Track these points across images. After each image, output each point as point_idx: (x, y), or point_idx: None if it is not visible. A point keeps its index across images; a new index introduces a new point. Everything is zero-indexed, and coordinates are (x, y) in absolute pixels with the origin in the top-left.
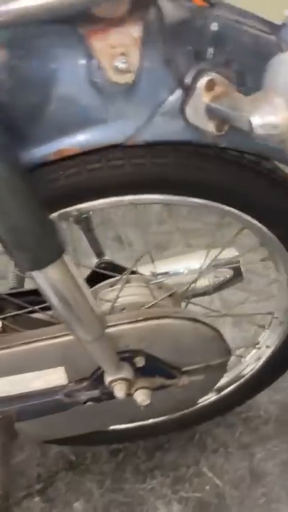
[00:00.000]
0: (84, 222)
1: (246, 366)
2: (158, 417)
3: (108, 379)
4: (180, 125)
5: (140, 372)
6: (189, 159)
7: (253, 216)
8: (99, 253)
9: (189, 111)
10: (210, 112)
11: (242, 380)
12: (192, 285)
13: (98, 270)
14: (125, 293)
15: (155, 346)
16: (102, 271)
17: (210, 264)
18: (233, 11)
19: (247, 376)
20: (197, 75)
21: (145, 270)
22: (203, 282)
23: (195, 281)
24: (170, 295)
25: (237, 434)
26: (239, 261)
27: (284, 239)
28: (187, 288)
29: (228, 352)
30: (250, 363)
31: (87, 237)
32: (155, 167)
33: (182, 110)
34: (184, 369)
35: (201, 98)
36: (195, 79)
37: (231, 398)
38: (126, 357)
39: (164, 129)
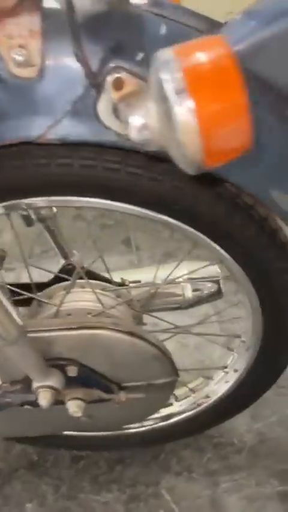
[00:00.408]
0: (49, 221)
1: (214, 389)
2: (103, 431)
3: (34, 384)
4: (95, 125)
5: (74, 382)
6: (119, 162)
7: (200, 231)
8: (66, 255)
9: (100, 110)
10: (117, 113)
11: (209, 402)
12: (164, 298)
13: (51, 272)
14: (75, 298)
15: (90, 357)
16: (56, 273)
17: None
18: (164, 7)
19: (215, 398)
20: (108, 72)
21: (118, 276)
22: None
23: (153, 294)
24: (131, 307)
25: (204, 460)
26: (219, 277)
27: (239, 260)
28: (146, 300)
29: (173, 372)
30: (218, 385)
31: (51, 238)
32: (82, 169)
33: (94, 109)
34: (124, 384)
35: (110, 96)
36: (105, 77)
37: (197, 420)
38: (57, 364)
39: (79, 128)
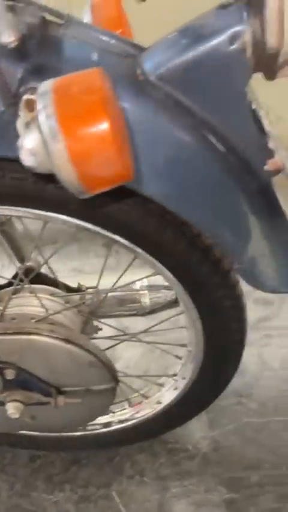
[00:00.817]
0: (6, 225)
1: (165, 395)
2: (47, 432)
3: None
4: (15, 142)
5: (13, 385)
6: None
7: (135, 245)
8: (22, 259)
9: (18, 129)
10: None
11: (160, 408)
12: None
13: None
14: (23, 303)
15: (28, 361)
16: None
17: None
18: (87, 30)
19: (165, 405)
20: (24, 93)
21: (74, 281)
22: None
23: (105, 299)
24: (80, 313)
25: (157, 464)
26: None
27: (175, 273)
28: (97, 305)
29: (111, 379)
30: (168, 392)
31: (7, 242)
32: (13, 181)
33: (14, 127)
34: (63, 388)
35: (24, 116)
36: (21, 97)
37: (150, 425)
38: None
39: (1, 145)
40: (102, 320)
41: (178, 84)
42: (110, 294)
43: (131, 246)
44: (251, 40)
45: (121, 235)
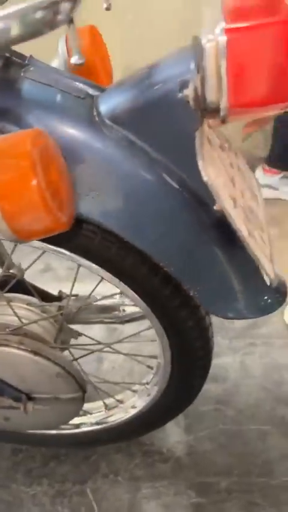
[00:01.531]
0: None
1: (138, 401)
2: (22, 431)
3: None
4: None
5: None
6: None
7: (100, 267)
8: (5, 266)
9: None
10: None
11: (134, 413)
12: (98, 313)
13: None
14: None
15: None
16: None
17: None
18: (47, 72)
19: (139, 410)
20: None
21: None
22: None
23: (80, 308)
24: (56, 322)
25: (132, 465)
26: None
27: (139, 293)
28: (73, 314)
29: (78, 389)
30: (141, 398)
31: None
32: None
33: None
34: (33, 395)
35: None
36: None
37: (123, 428)
38: None
39: None
40: (78, 329)
41: (130, 126)
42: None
43: (96, 267)
44: (193, 92)
45: (86, 259)
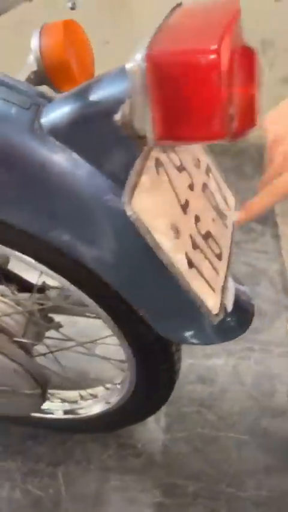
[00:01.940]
0: None
1: (111, 397)
2: None
3: None
4: None
5: None
6: None
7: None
8: None
9: None
10: None
11: (107, 408)
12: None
13: None
14: None
15: None
16: None
17: None
18: None
19: (112, 405)
20: None
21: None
22: None
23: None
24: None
25: (105, 455)
26: None
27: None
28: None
29: (36, 386)
30: (113, 395)
31: None
32: None
33: None
34: None
35: None
36: None
37: (99, 421)
38: None
39: None
40: (52, 325)
41: (68, 141)
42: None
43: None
44: (121, 118)
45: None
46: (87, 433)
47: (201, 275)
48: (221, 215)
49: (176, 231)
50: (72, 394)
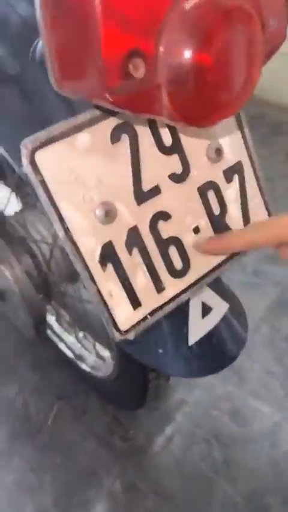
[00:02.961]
0: None
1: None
2: None
3: None
4: None
5: None
6: None
7: None
8: None
9: None
10: None
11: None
12: None
13: None
14: None
15: None
16: None
17: None
18: None
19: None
20: None
21: None
22: None
23: None
24: None
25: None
26: None
27: None
28: None
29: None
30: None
31: None
32: None
33: None
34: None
35: None
36: None
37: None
38: None
39: None
40: None
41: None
42: None
43: None
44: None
45: None
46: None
47: (120, 279)
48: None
49: (104, 214)
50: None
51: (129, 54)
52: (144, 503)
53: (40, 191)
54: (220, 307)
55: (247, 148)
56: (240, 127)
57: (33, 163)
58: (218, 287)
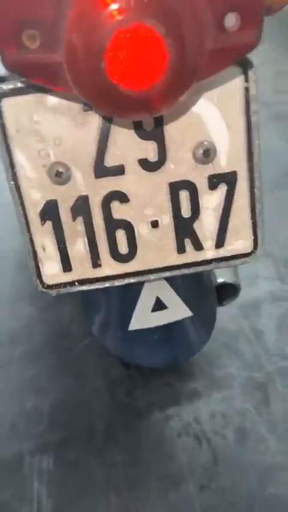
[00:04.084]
0: None
1: None
2: None
3: None
4: None
5: None
6: None
7: None
8: None
9: None
10: None
11: None
12: None
13: None
14: None
15: None
16: None
17: None
18: None
19: None
20: None
21: None
22: None
23: None
24: None
25: None
26: None
27: None
28: None
29: None
30: None
31: None
32: None
33: None
34: None
35: None
36: None
37: None
38: None
39: None
40: None
41: None
42: None
43: None
44: None
45: None
46: None
47: (56, 239)
48: (180, 239)
49: (55, 173)
50: None
51: (21, 24)
52: None
53: None
54: (179, 311)
55: (249, 159)
56: (248, 133)
57: None
58: (188, 293)
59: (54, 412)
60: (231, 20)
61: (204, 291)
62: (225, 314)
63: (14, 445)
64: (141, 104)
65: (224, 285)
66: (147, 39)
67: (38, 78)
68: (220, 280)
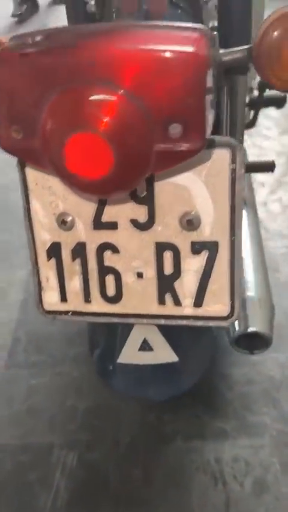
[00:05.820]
0: None
1: None
2: None
3: None
4: None
5: None
6: None
7: None
8: None
9: None
10: None
11: None
12: None
13: None
14: None
15: None
16: None
17: None
18: None
19: None
20: None
21: None
22: None
23: None
24: None
25: None
26: None
27: None
28: None
29: None
30: None
31: None
32: None
33: None
34: None
35: None
36: None
37: None
38: None
39: None
40: None
41: None
42: None
43: None
44: None
45: None
46: None
47: (58, 274)
48: (162, 292)
49: (61, 221)
50: None
51: (11, 121)
52: None
53: (21, 187)
54: (164, 355)
55: (232, 233)
56: (232, 209)
57: (23, 171)
58: (176, 339)
59: (88, 415)
60: (175, 130)
61: (197, 337)
62: (274, 360)
63: (48, 436)
64: (98, 188)
65: (256, 335)
66: (96, 143)
67: (25, 159)
68: (251, 329)
